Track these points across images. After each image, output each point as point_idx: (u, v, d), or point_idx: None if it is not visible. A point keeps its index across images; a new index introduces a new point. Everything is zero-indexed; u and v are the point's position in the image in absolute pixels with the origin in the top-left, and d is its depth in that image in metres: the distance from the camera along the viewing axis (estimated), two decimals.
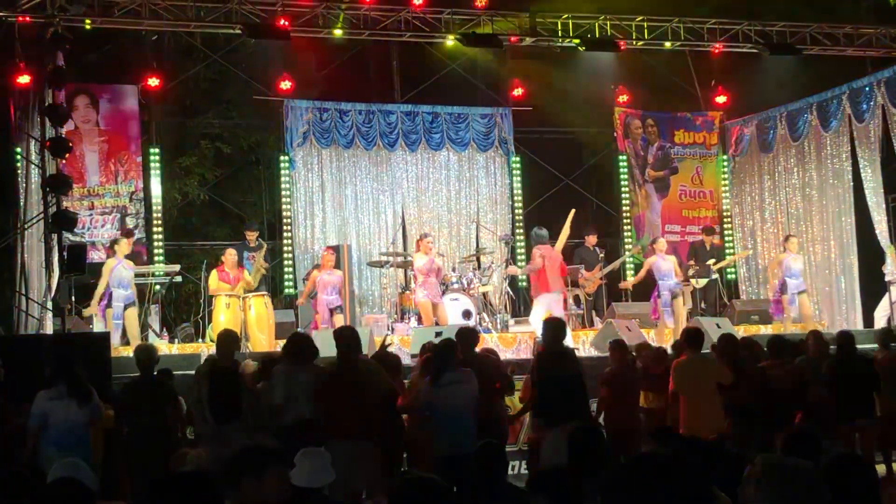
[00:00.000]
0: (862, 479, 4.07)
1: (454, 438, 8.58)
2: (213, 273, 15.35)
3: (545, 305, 14.86)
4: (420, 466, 9.10)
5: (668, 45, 18.41)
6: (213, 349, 10.49)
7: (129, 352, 14.17)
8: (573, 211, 16.39)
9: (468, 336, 10.15)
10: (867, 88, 17.90)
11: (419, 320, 15.92)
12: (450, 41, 17.64)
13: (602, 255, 18.42)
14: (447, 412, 8.79)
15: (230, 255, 15.47)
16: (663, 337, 15.65)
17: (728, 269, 20.24)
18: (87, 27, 15.60)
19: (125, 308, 14.64)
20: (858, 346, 11.14)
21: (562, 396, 9.33)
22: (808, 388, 10.02)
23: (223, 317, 14.75)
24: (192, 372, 10.04)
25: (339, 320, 15.26)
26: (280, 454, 4.58)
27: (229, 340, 9.56)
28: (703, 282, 17.81)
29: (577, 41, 17.64)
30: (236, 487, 4.27)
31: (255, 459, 4.39)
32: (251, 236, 16.60)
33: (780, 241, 18.79)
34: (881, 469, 11.01)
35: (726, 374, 9.63)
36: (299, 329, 16.35)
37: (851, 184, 18.32)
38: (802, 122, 19.26)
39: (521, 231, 19.66)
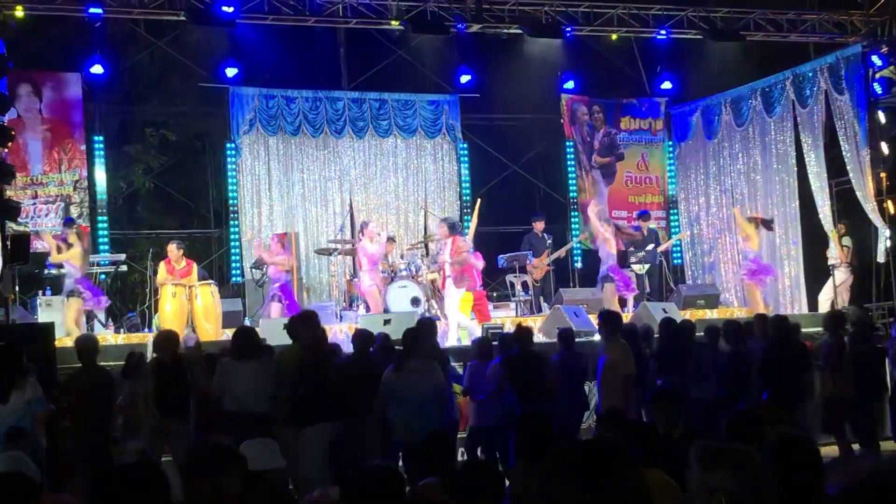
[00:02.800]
0: (806, 459, 4.11)
1: (416, 425, 8.61)
2: (162, 265, 15.21)
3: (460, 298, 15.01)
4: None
5: (613, 32, 18.48)
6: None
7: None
8: (479, 201, 16.46)
9: (429, 326, 10.32)
10: (810, 74, 18.08)
11: (367, 308, 15.89)
12: (396, 27, 17.56)
13: (550, 241, 18.52)
14: (410, 400, 8.85)
15: (171, 250, 15.28)
16: None
17: (674, 254, 20.43)
18: (27, 14, 15.32)
19: (67, 297, 14.49)
20: (804, 331, 11.33)
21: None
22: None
23: (169, 306, 14.67)
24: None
25: (276, 308, 15.23)
26: (234, 452, 4.50)
27: (168, 341, 9.62)
28: (645, 267, 17.92)
29: (523, 28, 17.64)
30: (190, 484, 4.20)
31: (209, 457, 4.32)
32: None
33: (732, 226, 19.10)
34: (832, 450, 11.19)
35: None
36: (247, 319, 16.33)
37: (795, 169, 18.49)
38: (746, 107, 19.42)
39: (469, 218, 19.65)
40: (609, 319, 10.49)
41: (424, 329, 10.17)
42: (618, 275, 16.71)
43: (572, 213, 20.40)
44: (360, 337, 10.48)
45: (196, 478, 4.09)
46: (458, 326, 14.81)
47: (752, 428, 5.29)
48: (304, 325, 9.15)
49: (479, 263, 15.56)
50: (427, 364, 9.23)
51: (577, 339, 11.73)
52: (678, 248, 20.68)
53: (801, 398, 10.48)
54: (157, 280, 15.13)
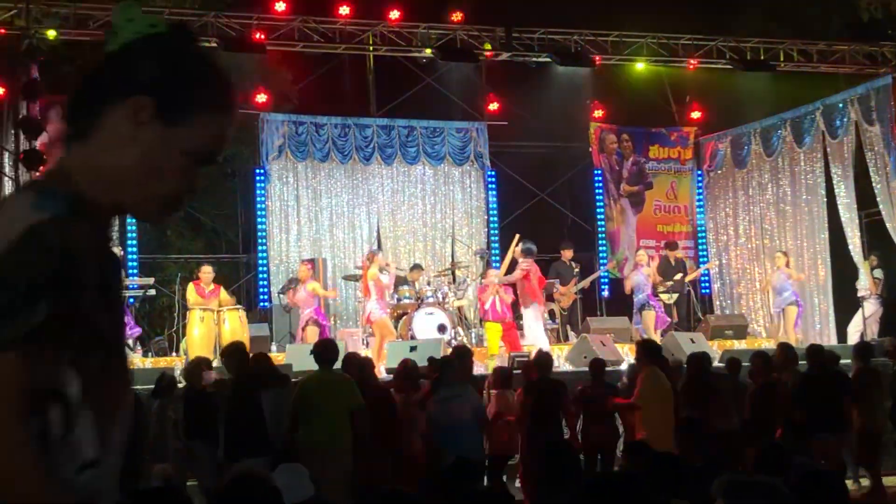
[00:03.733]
0: (831, 493, 4.11)
1: (457, 452, 8.61)
2: (191, 286, 15.29)
3: (536, 316, 15.11)
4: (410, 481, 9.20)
5: (642, 61, 18.52)
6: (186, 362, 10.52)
7: None
8: (518, 236, 16.54)
9: (465, 352, 10.37)
10: (840, 105, 18.05)
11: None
12: (425, 55, 17.66)
13: (577, 269, 18.48)
14: (447, 426, 8.85)
15: (207, 271, 15.38)
16: None
17: (702, 284, 20.36)
18: (58, 38, 15.50)
19: None
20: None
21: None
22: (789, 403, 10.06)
23: (197, 330, 14.70)
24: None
25: (313, 332, 15.25)
26: (264, 481, 4.56)
27: (198, 368, 9.66)
28: (673, 297, 17.86)
29: (552, 56, 17.70)
30: None
31: (237, 487, 4.39)
32: None
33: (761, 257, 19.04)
34: (866, 483, 11.08)
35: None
36: (273, 344, 16.38)
37: (825, 199, 18.44)
38: (776, 137, 19.39)
39: (497, 245, 19.70)
40: (648, 347, 10.47)
41: (459, 355, 10.23)
42: (656, 304, 16.68)
43: (600, 242, 20.38)
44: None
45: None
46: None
47: (778, 460, 5.27)
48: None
49: (509, 298, 15.62)
50: (461, 389, 9.24)
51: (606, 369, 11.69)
52: (706, 278, 20.61)
53: (840, 429, 10.36)
54: (188, 302, 15.17)
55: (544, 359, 10.62)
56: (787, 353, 11.19)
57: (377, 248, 17.68)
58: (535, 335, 15.31)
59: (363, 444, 8.93)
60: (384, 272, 15.44)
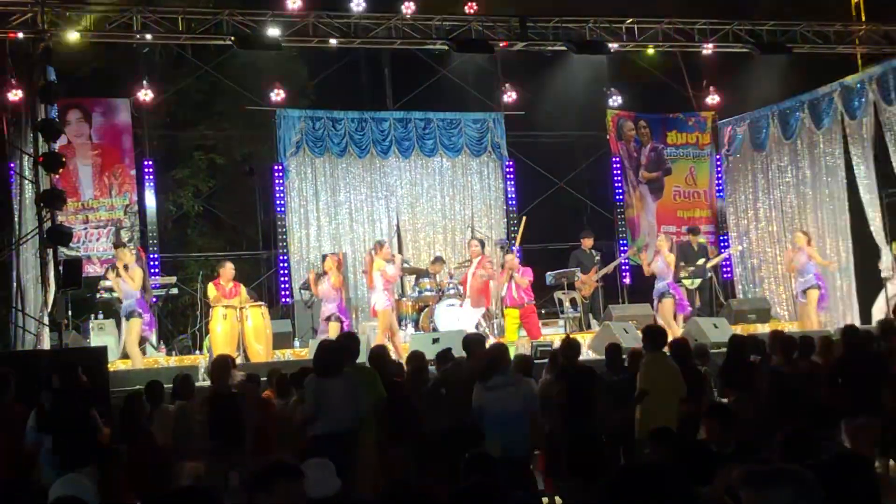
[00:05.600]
0: (861, 478, 4.08)
1: (505, 442, 8.59)
2: (211, 285, 15.31)
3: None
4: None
5: (658, 47, 18.44)
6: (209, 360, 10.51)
7: (127, 365, 14.25)
8: (525, 219, 16.51)
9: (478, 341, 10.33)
10: (858, 86, 17.93)
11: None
12: (441, 47, 17.62)
13: (598, 257, 18.48)
14: (497, 416, 8.78)
15: (229, 268, 15.38)
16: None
17: (723, 269, 20.30)
18: (79, 41, 15.54)
19: (127, 318, 14.54)
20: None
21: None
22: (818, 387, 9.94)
23: (220, 328, 14.74)
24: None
25: (335, 328, 15.26)
26: (291, 468, 4.60)
27: (221, 367, 9.60)
28: (696, 282, 17.82)
29: (567, 45, 17.64)
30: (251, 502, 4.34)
31: (266, 474, 4.45)
32: None
33: (782, 240, 18.95)
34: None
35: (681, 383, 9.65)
36: (296, 340, 16.43)
37: (845, 181, 18.34)
38: (794, 120, 19.29)
39: (516, 235, 19.67)
40: (652, 335, 10.33)
41: (473, 343, 10.19)
42: (676, 291, 16.59)
43: (620, 229, 20.34)
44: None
45: (256, 493, 4.18)
46: None
47: (807, 447, 5.24)
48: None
49: (525, 280, 15.52)
50: (514, 378, 9.15)
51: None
52: (728, 263, 20.54)
53: (876, 412, 10.14)
54: (211, 301, 15.19)
55: (572, 345, 10.51)
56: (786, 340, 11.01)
57: (388, 240, 17.65)
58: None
59: (385, 437, 8.92)
60: (390, 263, 15.41)
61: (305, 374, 9.39)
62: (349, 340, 9.60)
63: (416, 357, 10.36)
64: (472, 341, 10.30)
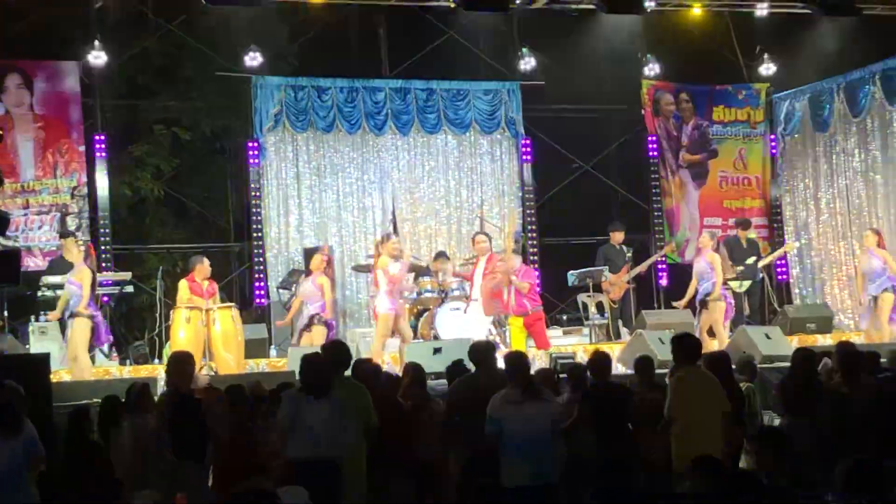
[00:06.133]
0: None
1: (533, 468, 8.64)
2: (183, 283, 15.30)
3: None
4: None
5: (702, 5, 18.41)
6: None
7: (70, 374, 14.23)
8: (515, 212, 16.42)
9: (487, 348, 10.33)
10: None
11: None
12: (447, 4, 17.58)
13: (630, 254, 18.46)
14: (523, 436, 8.80)
15: (206, 264, 15.34)
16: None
17: (778, 270, 20.28)
18: None
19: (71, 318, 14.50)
20: None
21: None
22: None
23: (183, 333, 14.70)
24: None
25: (320, 333, 15.24)
26: (269, 496, 4.63)
27: (183, 365, 9.56)
28: (744, 285, 17.78)
29: (596, 3, 17.61)
30: None
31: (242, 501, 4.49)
32: None
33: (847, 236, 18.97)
34: None
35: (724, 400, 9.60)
36: (273, 348, 16.43)
37: None
38: (863, 94, 19.26)
39: (534, 227, 19.67)
40: (684, 344, 10.29)
41: (483, 353, 10.20)
42: (725, 293, 16.52)
43: (656, 222, 20.33)
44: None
45: None
46: None
47: (872, 480, 5.23)
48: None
49: (525, 285, 15.43)
50: (541, 393, 9.17)
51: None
52: (783, 263, 20.52)
53: None
54: (179, 301, 15.16)
55: (602, 359, 10.52)
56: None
57: (392, 232, 17.65)
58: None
59: (377, 462, 8.93)
60: (397, 260, 15.34)
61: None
62: (338, 353, 9.58)
63: (412, 370, 10.35)
64: (482, 350, 10.27)
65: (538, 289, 15.84)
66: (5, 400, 8.70)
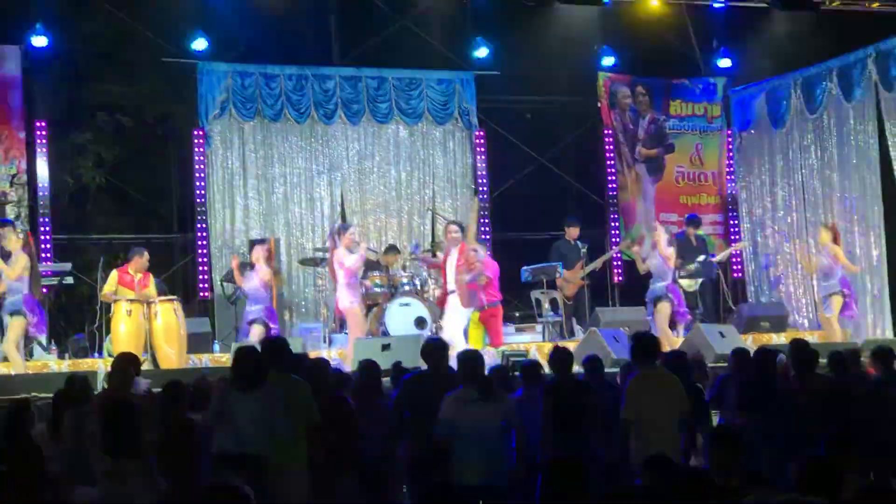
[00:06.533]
0: None
1: (483, 467, 8.70)
2: (114, 273, 15.21)
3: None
4: None
5: None
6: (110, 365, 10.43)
7: (8, 368, 14.14)
8: (476, 201, 16.41)
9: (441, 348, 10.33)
10: None
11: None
12: None
13: (584, 250, 18.50)
14: (474, 435, 8.85)
15: (145, 258, 15.24)
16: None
17: (733, 268, 20.42)
18: None
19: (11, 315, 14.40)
20: None
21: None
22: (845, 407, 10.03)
23: (124, 326, 14.65)
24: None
25: (258, 333, 15.16)
26: (241, 493, 4.66)
27: (124, 366, 9.55)
28: (697, 283, 17.86)
29: None
30: None
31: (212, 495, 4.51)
32: None
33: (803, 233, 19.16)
34: None
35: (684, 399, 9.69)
36: (216, 343, 16.38)
37: (878, 164, 18.48)
38: (820, 90, 19.39)
39: (487, 220, 19.68)
40: (643, 343, 10.37)
41: (435, 351, 10.20)
42: (675, 295, 16.60)
43: (612, 217, 20.41)
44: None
45: None
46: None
47: (827, 478, 5.29)
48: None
49: (482, 279, 15.45)
50: (493, 392, 9.22)
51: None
52: (738, 261, 20.66)
53: None
54: (103, 292, 15.10)
55: (563, 356, 10.57)
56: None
57: (343, 223, 17.61)
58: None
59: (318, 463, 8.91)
60: (352, 251, 15.31)
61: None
62: (276, 348, 9.56)
63: (368, 367, 10.33)
64: (434, 348, 10.28)
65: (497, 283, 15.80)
66: None
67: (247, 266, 15.83)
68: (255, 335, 15.01)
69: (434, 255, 17.99)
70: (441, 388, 9.23)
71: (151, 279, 15.35)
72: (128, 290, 14.94)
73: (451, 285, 15.38)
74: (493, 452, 8.83)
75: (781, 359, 11.02)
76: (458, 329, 15.06)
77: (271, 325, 15.37)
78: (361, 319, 15.41)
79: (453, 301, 15.40)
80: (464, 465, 8.77)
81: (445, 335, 14.73)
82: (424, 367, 10.16)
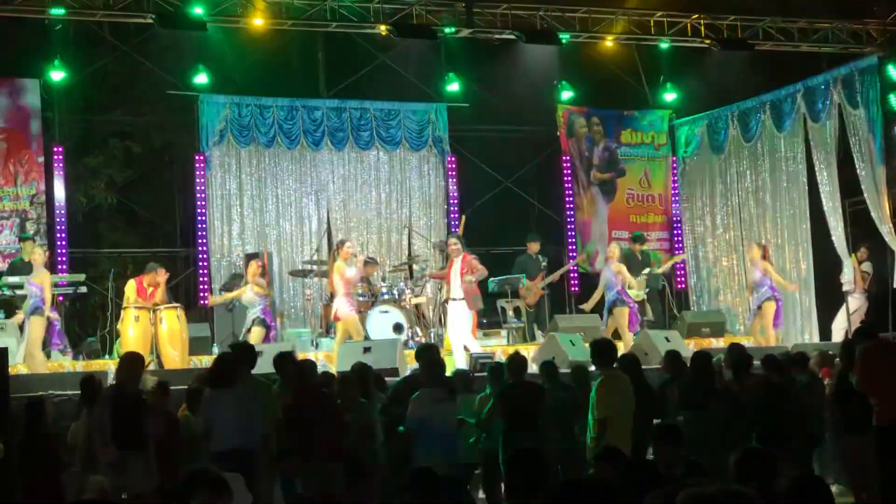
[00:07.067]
0: (820, 501, 4.15)
1: (446, 459, 8.77)
2: (131, 283, 15.19)
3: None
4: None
5: (613, 38, 18.56)
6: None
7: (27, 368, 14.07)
8: (465, 217, 16.38)
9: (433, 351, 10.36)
10: (823, 87, 18.15)
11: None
12: (380, 31, 17.53)
13: (545, 263, 18.54)
14: (439, 430, 8.87)
15: (161, 274, 15.24)
16: None
17: (677, 278, 20.48)
18: None
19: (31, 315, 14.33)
20: None
21: None
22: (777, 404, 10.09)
23: (132, 331, 14.64)
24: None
25: (258, 334, 15.20)
26: (217, 480, 4.65)
27: (135, 363, 9.52)
28: (642, 293, 17.92)
29: (516, 33, 17.67)
30: None
31: (190, 482, 4.50)
32: None
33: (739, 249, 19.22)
34: None
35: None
36: (215, 346, 16.32)
37: (807, 188, 18.57)
38: (755, 121, 19.51)
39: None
40: (603, 349, 10.44)
41: (427, 353, 10.24)
42: (629, 299, 16.62)
43: (569, 234, 20.44)
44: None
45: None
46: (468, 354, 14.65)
47: (762, 468, 5.31)
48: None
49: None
50: (455, 392, 9.29)
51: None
52: (682, 272, 20.73)
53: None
54: (126, 301, 15.07)
55: (519, 361, 10.60)
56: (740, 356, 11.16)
57: (341, 238, 17.55)
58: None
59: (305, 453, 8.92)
60: (350, 264, 15.22)
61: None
62: (246, 352, 9.62)
63: (357, 369, 10.30)
64: (425, 351, 10.32)
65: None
66: None
67: (240, 277, 15.80)
68: (256, 336, 15.04)
69: (410, 269, 17.99)
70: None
71: (159, 289, 15.30)
72: (141, 299, 14.92)
73: (453, 293, 14.93)
74: (454, 447, 8.88)
75: (718, 360, 11.08)
76: (466, 331, 14.86)
77: (270, 325, 15.44)
78: (357, 327, 15.26)
79: (453, 308, 14.97)
80: (429, 458, 8.80)
81: (454, 340, 14.68)
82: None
